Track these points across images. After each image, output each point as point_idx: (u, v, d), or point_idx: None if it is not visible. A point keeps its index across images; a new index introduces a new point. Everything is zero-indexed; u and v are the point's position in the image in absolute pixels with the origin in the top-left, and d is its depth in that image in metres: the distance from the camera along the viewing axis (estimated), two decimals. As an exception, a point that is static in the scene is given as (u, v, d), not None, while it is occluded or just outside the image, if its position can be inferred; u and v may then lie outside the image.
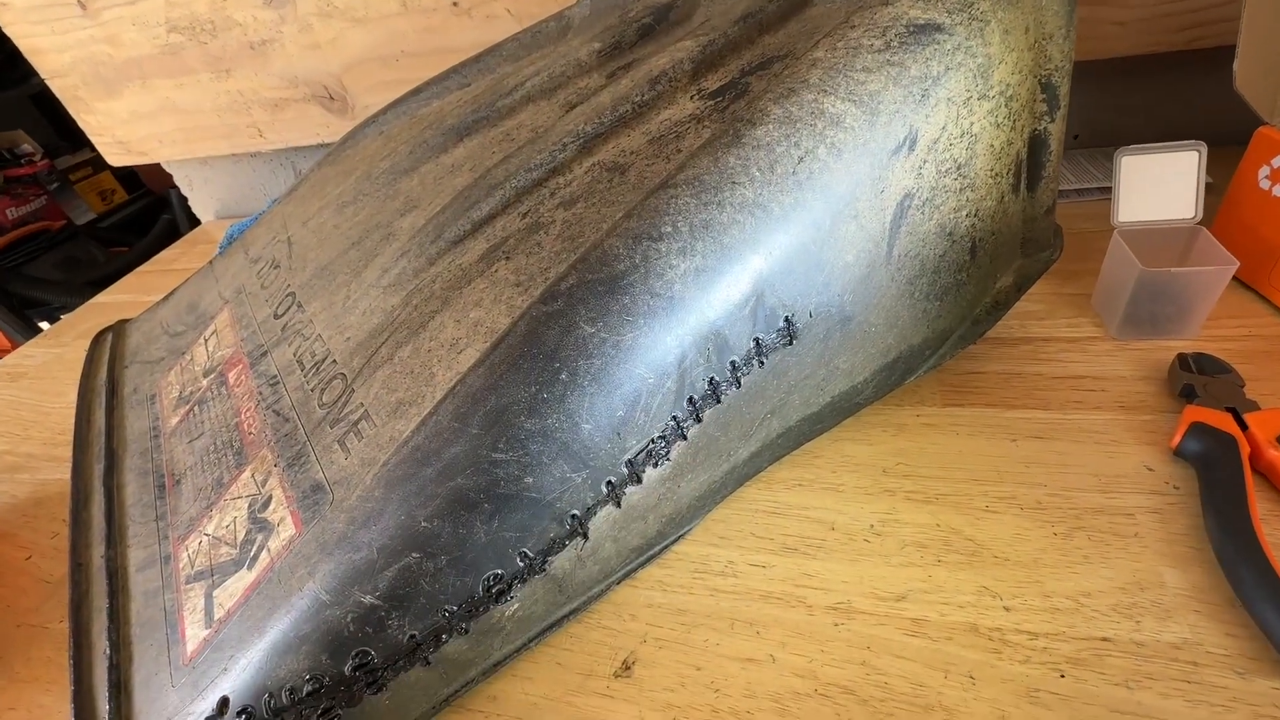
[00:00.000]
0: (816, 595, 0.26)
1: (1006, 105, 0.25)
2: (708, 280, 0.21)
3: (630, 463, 0.22)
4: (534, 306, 0.22)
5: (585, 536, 0.22)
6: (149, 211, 1.96)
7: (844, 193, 0.23)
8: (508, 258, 0.25)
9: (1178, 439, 0.27)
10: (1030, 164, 0.28)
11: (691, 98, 0.27)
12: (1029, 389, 0.32)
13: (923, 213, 0.25)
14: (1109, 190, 0.34)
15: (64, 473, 0.41)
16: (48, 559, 0.35)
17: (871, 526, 0.28)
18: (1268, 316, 0.34)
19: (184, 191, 0.75)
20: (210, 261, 0.45)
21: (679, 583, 0.27)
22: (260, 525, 0.24)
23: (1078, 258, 0.39)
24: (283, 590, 0.21)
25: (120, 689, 0.23)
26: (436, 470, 0.21)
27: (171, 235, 1.80)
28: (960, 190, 0.26)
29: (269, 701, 0.20)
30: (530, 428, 0.20)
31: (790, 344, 0.24)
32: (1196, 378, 0.30)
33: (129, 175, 2.02)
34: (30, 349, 0.57)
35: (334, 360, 0.27)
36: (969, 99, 0.24)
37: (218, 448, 0.28)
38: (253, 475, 0.26)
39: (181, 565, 0.25)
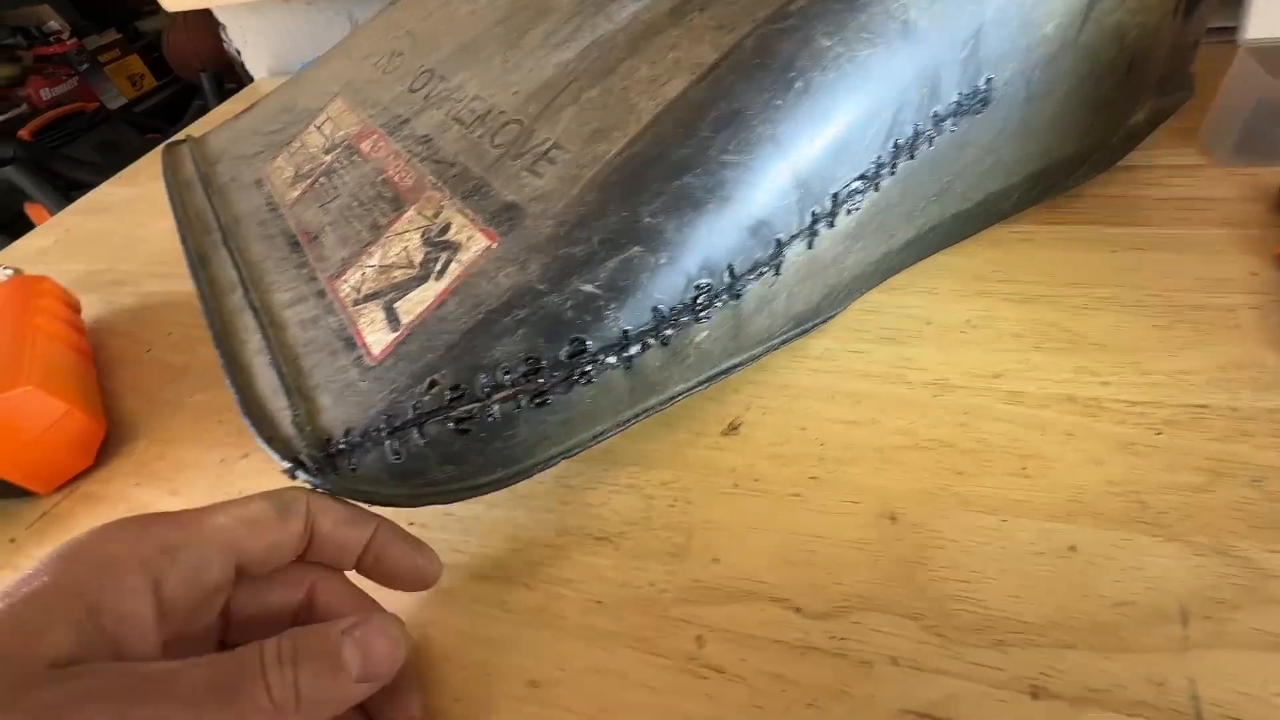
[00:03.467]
0: (915, 374, 0.27)
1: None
2: (940, 12, 0.22)
3: (835, 196, 0.23)
4: (761, 26, 0.22)
5: (778, 271, 0.23)
6: (179, 98, 1.93)
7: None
8: (702, 10, 0.25)
9: (1286, 246, 0.28)
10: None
11: None
12: (1130, 209, 0.32)
13: (1110, 4, 0.25)
14: (1221, 32, 0.33)
15: (167, 285, 0.43)
16: (167, 351, 0.38)
17: (968, 321, 0.29)
18: (1388, 147, 0.33)
19: (237, 46, 0.73)
20: (298, 73, 0.45)
21: (779, 364, 0.29)
22: (441, 246, 0.25)
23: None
24: (489, 287, 0.22)
25: (295, 392, 0.24)
26: (662, 169, 0.22)
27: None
28: (1141, 8, 0.25)
29: (484, 380, 0.21)
30: (763, 133, 0.21)
31: (981, 110, 0.24)
32: (1310, 194, 0.29)
33: (157, 61, 1.98)
34: (108, 188, 0.59)
35: (501, 112, 0.29)
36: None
37: (363, 202, 0.30)
38: (418, 213, 0.27)
39: (343, 294, 0.27)
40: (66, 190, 1.53)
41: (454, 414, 0.21)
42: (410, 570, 0.22)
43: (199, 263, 0.32)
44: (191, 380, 0.35)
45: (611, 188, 0.22)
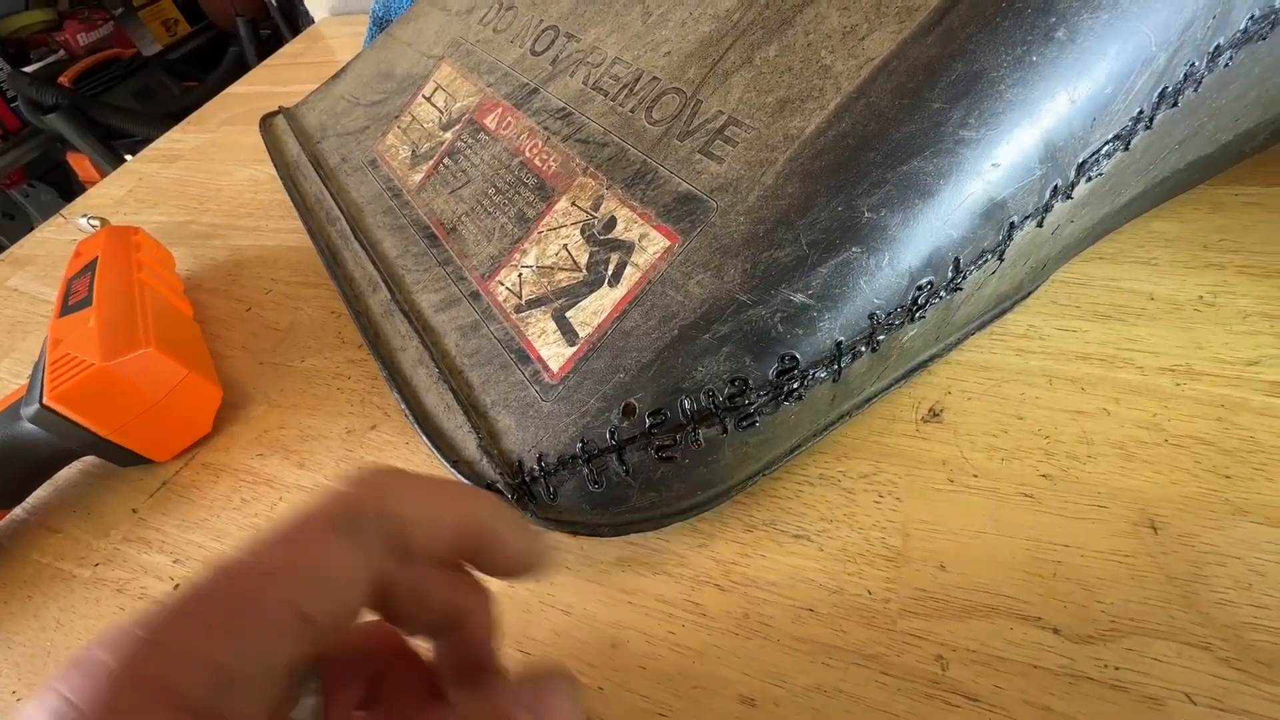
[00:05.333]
0: (1145, 358, 0.23)
1: None
2: None
3: (1081, 165, 0.19)
4: None
5: (1001, 257, 0.20)
6: (214, 45, 1.89)
7: None
8: None
9: None
10: None
11: None
12: (1379, 169, 0.28)
13: None
14: None
15: (255, 239, 0.41)
16: (268, 310, 0.35)
17: (1200, 297, 0.25)
18: None
19: (296, -18, 0.69)
20: (388, 33, 0.42)
21: (973, 344, 0.25)
22: (609, 245, 0.22)
23: None
24: (679, 297, 0.20)
25: (471, 410, 0.22)
26: (882, 154, 0.18)
27: (241, 69, 1.74)
28: None
29: (686, 404, 0.19)
30: (1011, 98, 0.18)
31: (1265, 38, 0.20)
32: None
33: (191, 6, 1.93)
34: (178, 134, 0.56)
35: (654, 78, 0.25)
36: None
37: (500, 189, 0.27)
38: (572, 204, 0.24)
39: (500, 297, 0.24)
40: (107, 139, 1.51)
41: (656, 441, 0.19)
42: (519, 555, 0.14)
43: (331, 258, 0.31)
44: (299, 342, 0.33)
45: (818, 176, 0.19)
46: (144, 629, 0.10)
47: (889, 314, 0.19)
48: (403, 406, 0.24)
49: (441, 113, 0.33)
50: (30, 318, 0.40)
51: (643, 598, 0.21)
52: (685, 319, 0.20)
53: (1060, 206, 0.20)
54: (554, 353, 0.22)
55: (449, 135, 0.31)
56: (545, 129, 0.27)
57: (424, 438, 0.23)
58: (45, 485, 0.28)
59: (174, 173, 0.50)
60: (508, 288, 0.25)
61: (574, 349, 0.21)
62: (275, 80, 0.61)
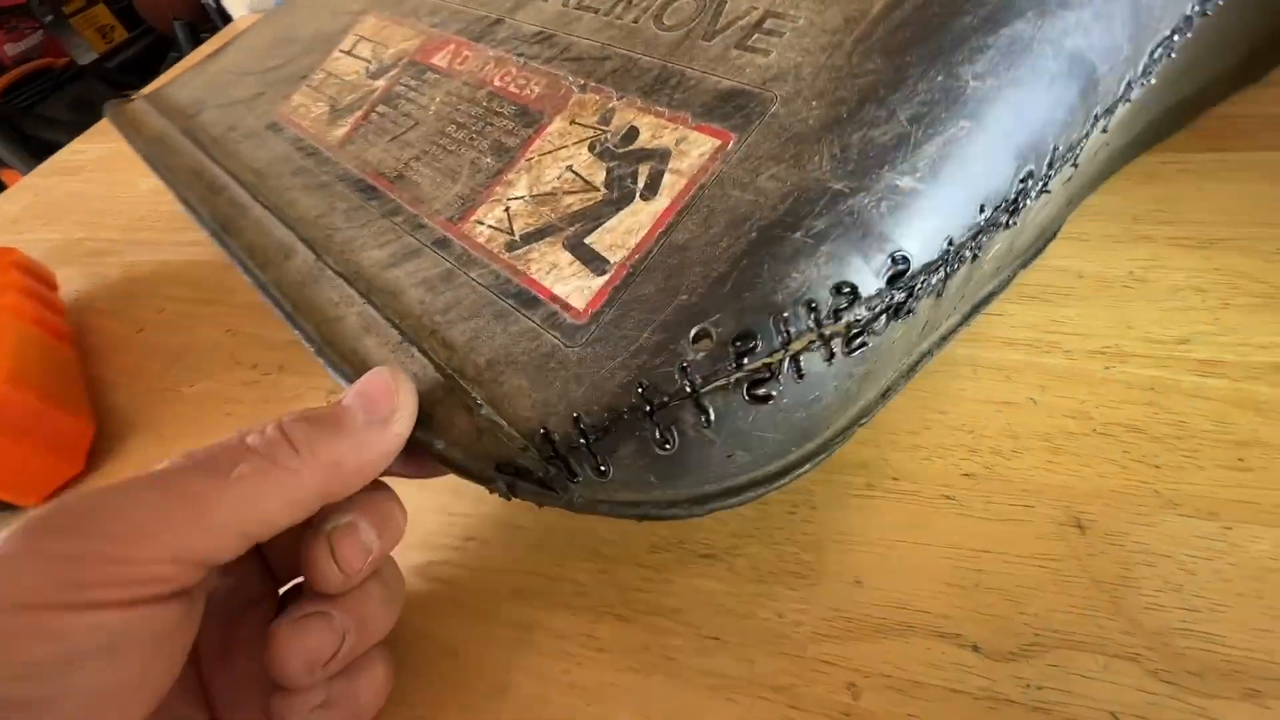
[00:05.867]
0: (1073, 341, 0.22)
1: None
2: None
3: (1152, 55, 0.18)
4: None
5: (1076, 163, 0.18)
6: (154, 51, 1.82)
7: None
8: None
9: None
10: None
11: None
12: (1314, 129, 0.26)
13: None
14: None
15: (153, 254, 0.38)
16: (160, 331, 0.33)
17: (1130, 273, 0.23)
18: None
19: (211, -21, 0.65)
20: (282, 5, 0.39)
21: (898, 333, 0.24)
22: (634, 157, 0.19)
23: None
24: (750, 196, 0.17)
25: (458, 375, 0.18)
26: (979, 18, 0.16)
27: (183, 75, 1.67)
28: None
29: (783, 322, 0.15)
30: None
31: None
32: None
33: (127, 11, 1.85)
34: (80, 144, 0.52)
35: None
36: None
37: (463, 124, 0.24)
38: (571, 123, 0.22)
39: (482, 239, 0.21)
40: (41, 153, 1.44)
41: (746, 375, 0.15)
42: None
43: (222, 229, 0.26)
44: (190, 365, 0.30)
45: (905, 48, 0.17)
46: None
47: (995, 208, 0.17)
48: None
49: (369, 62, 0.30)
50: (-94, 351, 0.36)
51: (537, 634, 0.19)
52: (763, 218, 0.16)
53: (1121, 110, 0.19)
54: (576, 287, 0.18)
55: (381, 83, 0.29)
56: (519, 55, 0.25)
57: None
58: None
59: (74, 186, 0.47)
60: (490, 225, 0.21)
61: (605, 278, 0.18)
62: (187, 83, 0.58)
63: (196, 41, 1.54)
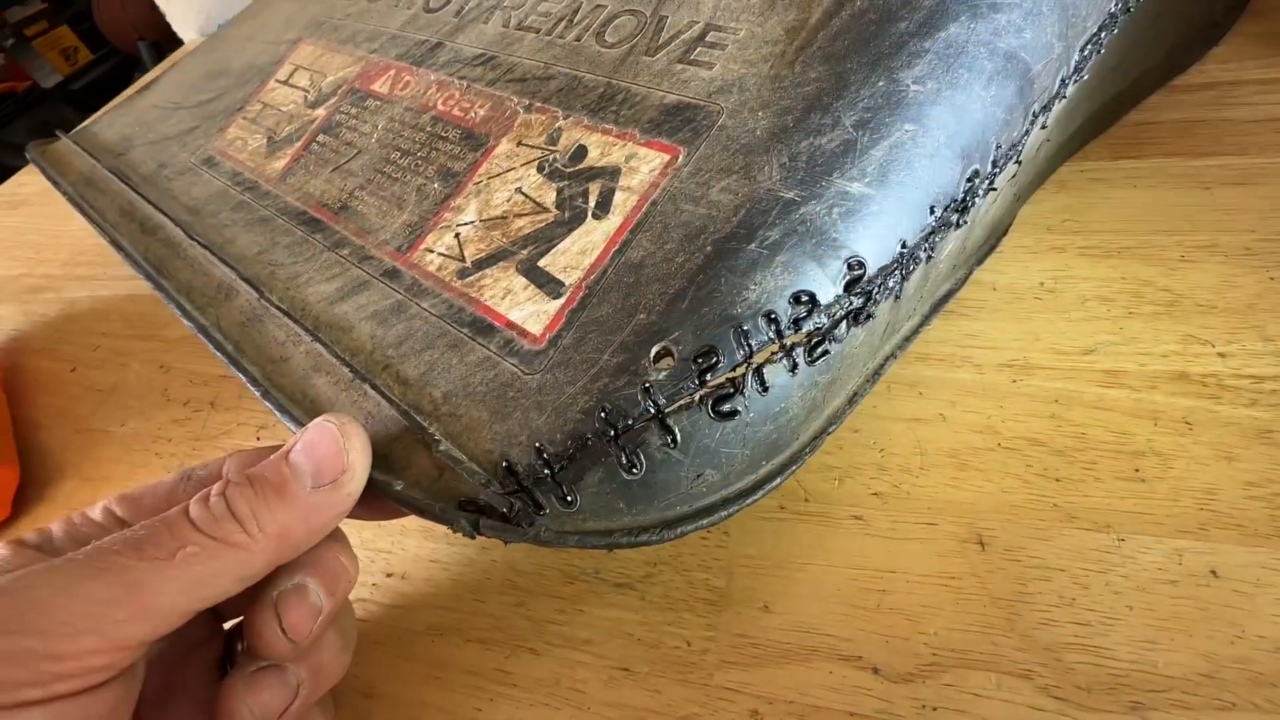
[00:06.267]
0: (984, 354, 0.22)
1: None
2: None
3: (1083, 51, 0.19)
4: None
5: (1019, 159, 0.19)
6: (119, 71, 1.80)
7: None
8: None
9: None
10: None
11: None
12: (1218, 136, 0.27)
13: None
14: None
15: (91, 290, 0.37)
16: (93, 369, 0.32)
17: (1041, 284, 0.24)
18: None
19: (161, 6, 0.65)
20: (216, 34, 0.39)
21: (817, 351, 0.24)
22: (584, 176, 0.19)
23: (1267, -8, 0.32)
24: (703, 210, 0.17)
25: (414, 412, 0.17)
26: (914, 23, 0.17)
27: (149, 96, 1.65)
28: None
29: (744, 337, 0.15)
30: None
31: None
32: None
33: (92, 32, 1.83)
34: (24, 176, 0.52)
35: (598, 5, 0.23)
36: None
37: (408, 151, 0.24)
38: (517, 144, 0.21)
39: (433, 268, 0.20)
40: (4, 180, 1.42)
41: (710, 392, 0.15)
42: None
43: (156, 270, 0.26)
44: (121, 404, 0.30)
45: (846, 55, 0.17)
46: None
47: (945, 208, 0.17)
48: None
49: (307, 91, 0.30)
50: None
51: (451, 671, 0.19)
52: (717, 231, 0.16)
53: (1057, 108, 0.19)
54: (531, 312, 0.18)
55: (321, 111, 0.28)
56: (462, 78, 0.25)
57: None
58: None
59: (15, 221, 0.46)
60: (440, 253, 0.21)
61: (560, 300, 0.18)
62: (135, 111, 0.57)
63: (161, 61, 1.52)
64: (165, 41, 1.59)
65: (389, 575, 0.21)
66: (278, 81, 0.32)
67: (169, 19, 0.66)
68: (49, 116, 1.55)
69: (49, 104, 1.58)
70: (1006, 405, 0.21)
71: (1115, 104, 0.27)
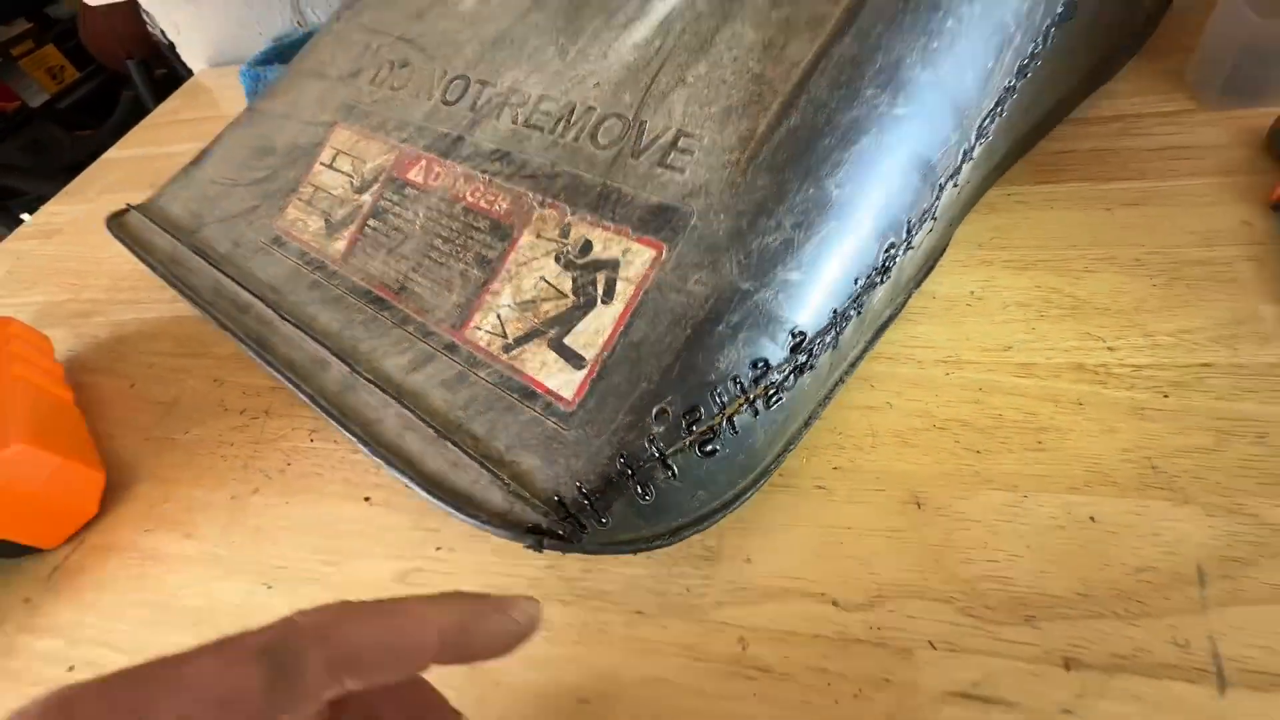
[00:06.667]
0: (925, 352, 0.27)
1: None
2: None
3: (980, 127, 0.23)
4: None
5: (935, 216, 0.23)
6: (107, 89, 1.81)
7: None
8: None
9: (1277, 193, 0.28)
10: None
11: None
12: (1122, 163, 0.32)
13: None
14: None
15: (135, 313, 0.41)
16: (151, 384, 0.36)
17: (972, 292, 0.29)
18: (1367, 78, 0.33)
19: (171, 37, 0.68)
20: (251, 107, 0.42)
21: (788, 353, 0.28)
22: (592, 267, 0.24)
23: (1168, 33, 0.37)
24: (682, 298, 0.22)
25: (487, 461, 0.22)
26: (835, 139, 0.21)
27: (139, 112, 1.67)
28: None
29: (718, 396, 0.20)
30: (925, 79, 0.21)
31: (1070, 18, 0.25)
32: (1297, 136, 0.29)
33: (77, 50, 1.84)
34: (55, 206, 0.55)
35: (589, 108, 0.27)
36: None
37: (448, 238, 0.28)
38: (537, 236, 0.26)
39: (483, 343, 0.25)
40: (5, 199, 1.44)
41: (696, 437, 0.20)
42: (504, 636, 0.16)
43: (259, 347, 0.30)
44: (182, 414, 0.34)
45: (784, 166, 0.22)
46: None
47: (868, 276, 0.22)
48: (403, 478, 0.24)
49: (350, 176, 0.33)
50: (-91, 416, 0.39)
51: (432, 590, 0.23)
52: (695, 316, 0.21)
53: (966, 168, 0.24)
54: (563, 381, 0.23)
55: (367, 198, 0.32)
56: (484, 172, 0.28)
57: (440, 503, 0.23)
58: (-67, 587, 0.29)
59: (52, 249, 0.50)
60: (488, 331, 0.25)
61: (584, 372, 0.22)
62: (156, 141, 0.61)
63: (151, 79, 1.54)
64: (153, 59, 1.61)
65: (439, 548, 0.26)
66: (322, 165, 0.35)
67: (179, 49, 0.69)
68: (39, 135, 1.56)
69: (38, 123, 1.60)
70: (941, 394, 0.26)
71: (1038, 129, 0.32)
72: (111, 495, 0.31)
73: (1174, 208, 0.29)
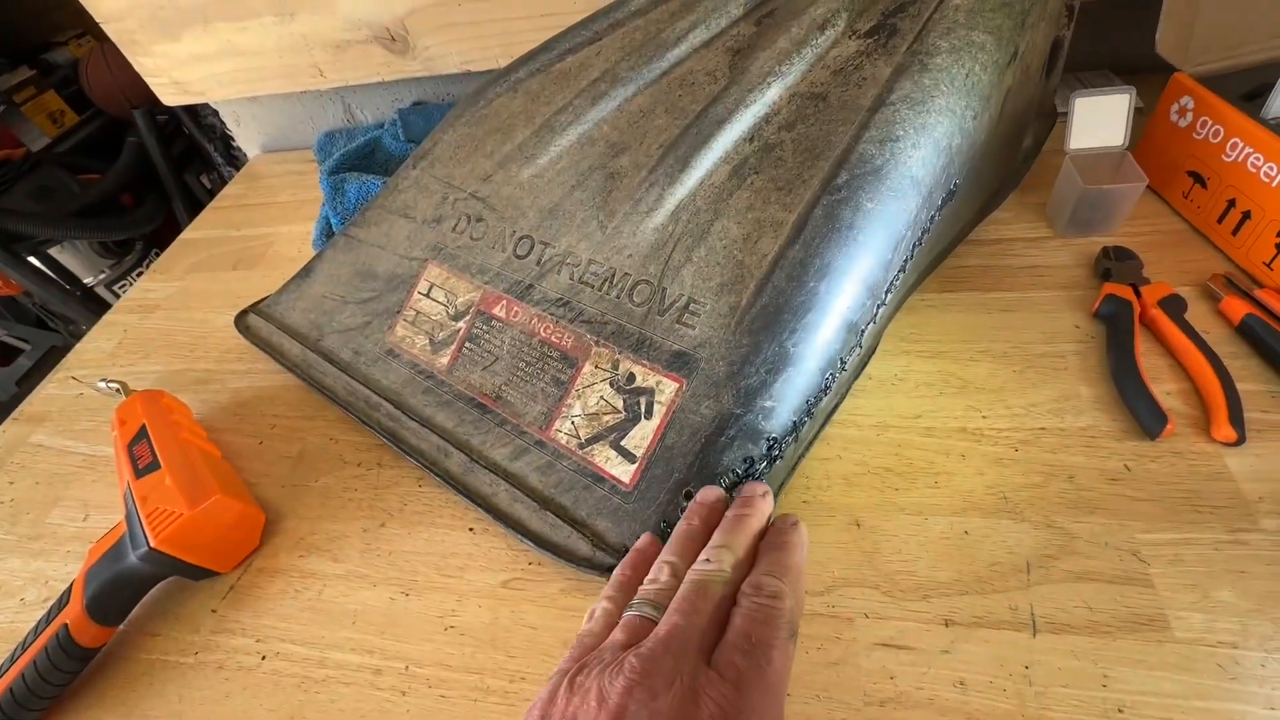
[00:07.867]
0: (861, 419, 0.39)
1: (1053, 22, 0.37)
2: (929, 162, 0.33)
3: (888, 289, 0.34)
4: (822, 196, 0.32)
5: (860, 345, 0.34)
6: (107, 133, 1.88)
7: (988, 94, 0.34)
8: (756, 172, 0.35)
9: (1096, 306, 0.41)
10: (1051, 59, 0.40)
11: (850, 37, 0.36)
12: (999, 277, 0.45)
13: (1013, 98, 0.37)
14: (1062, 116, 0.46)
15: (249, 381, 0.51)
16: (277, 441, 0.46)
17: (895, 375, 0.41)
18: (1167, 217, 0.47)
19: (230, 127, 0.78)
20: (347, 234, 0.51)
21: (770, 419, 0.40)
22: (636, 393, 0.34)
23: (1036, 174, 0.51)
24: (696, 418, 0.32)
25: (574, 524, 0.33)
26: (790, 313, 0.32)
27: (143, 159, 1.74)
28: (1025, 83, 0.37)
29: (720, 481, 0.31)
30: (849, 272, 0.32)
31: (952, 198, 0.35)
32: (1113, 263, 0.43)
33: (77, 96, 1.91)
34: (147, 283, 0.64)
35: (626, 273, 0.36)
36: (1038, 21, 0.35)
37: (530, 363, 0.38)
38: (595, 367, 0.35)
39: (563, 441, 0.35)
40: (6, 244, 1.49)
41: None
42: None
43: (393, 438, 0.40)
44: (309, 466, 0.44)
45: (758, 331, 0.32)
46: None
47: (816, 396, 0.33)
48: (518, 536, 0.34)
49: (446, 306, 0.42)
50: (65, 469, 0.48)
51: (576, 610, 0.34)
52: (706, 431, 0.32)
53: (880, 314, 0.35)
54: (622, 470, 0.33)
55: (462, 325, 0.41)
56: (552, 314, 0.38)
57: (547, 553, 0.33)
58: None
59: (155, 322, 0.59)
60: (566, 433, 0.35)
61: (636, 465, 0.33)
62: (227, 224, 0.70)
63: (157, 125, 1.62)
64: (158, 105, 1.69)
65: (530, 563, 0.36)
66: (420, 294, 0.44)
67: (236, 139, 0.79)
68: (46, 181, 1.62)
69: (43, 168, 1.65)
70: (873, 449, 0.38)
71: (945, 250, 0.45)
72: (266, 530, 0.41)
73: (1031, 313, 0.42)
